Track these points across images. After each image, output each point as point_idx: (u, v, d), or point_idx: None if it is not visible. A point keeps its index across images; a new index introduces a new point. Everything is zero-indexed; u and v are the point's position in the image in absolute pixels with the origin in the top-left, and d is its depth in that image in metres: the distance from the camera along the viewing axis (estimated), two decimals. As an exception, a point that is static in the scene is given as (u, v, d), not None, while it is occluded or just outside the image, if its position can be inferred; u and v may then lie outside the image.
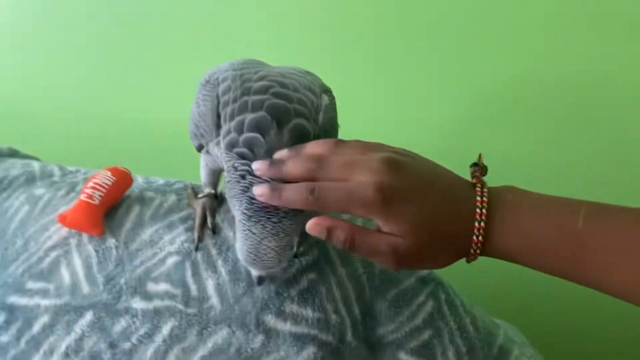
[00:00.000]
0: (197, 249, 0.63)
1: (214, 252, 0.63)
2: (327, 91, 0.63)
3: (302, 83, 0.59)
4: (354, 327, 0.62)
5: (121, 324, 0.59)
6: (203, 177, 0.70)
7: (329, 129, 0.59)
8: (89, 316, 0.60)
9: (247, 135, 0.54)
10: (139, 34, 1.26)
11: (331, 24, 1.11)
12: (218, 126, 0.57)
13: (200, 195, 0.69)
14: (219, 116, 0.57)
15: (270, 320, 0.59)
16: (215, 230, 0.65)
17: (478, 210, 0.46)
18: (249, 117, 0.54)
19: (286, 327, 0.59)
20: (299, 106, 0.55)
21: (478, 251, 0.47)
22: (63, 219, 0.65)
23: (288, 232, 0.54)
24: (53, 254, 0.65)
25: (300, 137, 0.54)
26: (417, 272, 0.67)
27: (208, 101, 0.59)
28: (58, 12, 1.31)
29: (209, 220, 0.66)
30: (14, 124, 1.42)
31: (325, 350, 0.59)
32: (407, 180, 0.46)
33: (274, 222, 0.53)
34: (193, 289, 0.61)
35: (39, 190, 0.73)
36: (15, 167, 0.80)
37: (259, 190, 0.50)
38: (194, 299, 0.60)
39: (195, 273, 0.62)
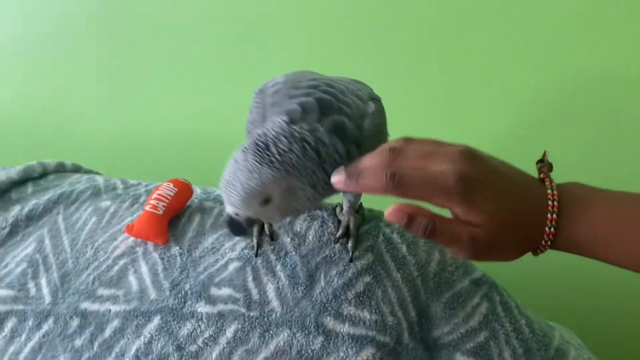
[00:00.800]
0: (257, 254, 0.66)
1: (272, 257, 0.66)
2: (375, 99, 0.64)
3: (350, 89, 0.61)
4: (410, 329, 0.63)
5: (187, 327, 0.62)
6: None
7: (375, 135, 0.60)
8: (156, 320, 0.63)
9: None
10: (190, 51, 1.31)
11: (379, 29, 1.13)
12: None
13: None
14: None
15: (330, 322, 0.61)
16: (273, 237, 0.67)
17: (550, 202, 0.47)
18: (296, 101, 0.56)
19: (345, 328, 0.61)
20: (344, 106, 0.57)
21: (549, 243, 0.48)
22: (130, 229, 0.69)
23: (262, 179, 0.52)
24: (121, 262, 0.68)
25: (338, 132, 0.55)
26: (470, 274, 0.68)
27: (259, 108, 0.62)
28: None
29: (266, 227, 0.68)
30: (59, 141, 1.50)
31: (383, 351, 0.60)
32: (486, 172, 0.47)
33: (255, 160, 0.52)
34: (254, 293, 0.63)
35: (105, 203, 0.78)
36: (80, 181, 0.85)
37: (336, 178, 0.49)
38: (256, 303, 0.63)
39: (256, 278, 0.64)
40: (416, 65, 1.12)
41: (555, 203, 0.47)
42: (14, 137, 1.58)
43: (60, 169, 0.92)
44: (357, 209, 0.72)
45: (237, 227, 0.58)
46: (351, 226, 0.68)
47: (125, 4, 1.33)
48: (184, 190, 0.73)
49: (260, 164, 0.52)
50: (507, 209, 0.47)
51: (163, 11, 1.30)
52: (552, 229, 0.47)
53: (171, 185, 0.72)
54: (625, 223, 0.46)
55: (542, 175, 0.50)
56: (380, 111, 0.63)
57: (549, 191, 0.48)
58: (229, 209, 0.56)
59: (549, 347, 0.67)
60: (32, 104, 1.54)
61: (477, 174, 0.46)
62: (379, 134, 0.62)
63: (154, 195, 0.70)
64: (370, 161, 0.48)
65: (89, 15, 1.38)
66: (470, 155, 0.47)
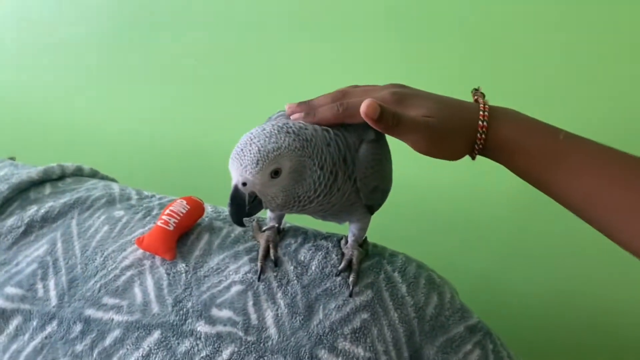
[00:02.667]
0: (259, 279, 0.68)
1: (274, 284, 0.67)
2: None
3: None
4: None
5: (185, 344, 0.64)
6: (269, 212, 0.75)
7: (367, 166, 0.64)
8: (156, 335, 0.65)
9: None
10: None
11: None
12: None
13: (264, 229, 0.74)
14: None
15: (324, 355, 0.62)
16: (277, 263, 0.69)
17: (481, 113, 0.58)
18: None
19: None
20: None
21: (481, 145, 0.58)
22: (140, 242, 0.71)
23: (279, 143, 0.56)
24: (128, 273, 0.70)
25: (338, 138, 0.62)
26: (466, 321, 0.69)
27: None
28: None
29: (271, 252, 0.70)
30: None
31: None
32: (416, 90, 0.61)
33: (274, 129, 0.58)
34: (253, 317, 0.65)
35: (118, 213, 0.80)
36: (97, 187, 0.87)
37: (291, 110, 0.62)
38: (254, 328, 0.64)
39: (256, 303, 0.66)
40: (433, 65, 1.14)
41: (486, 113, 0.58)
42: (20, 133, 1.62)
43: (78, 173, 0.95)
44: (361, 243, 0.74)
45: (238, 205, 0.59)
46: (354, 260, 0.69)
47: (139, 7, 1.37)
48: (196, 208, 0.75)
49: (278, 132, 0.57)
50: (444, 106, 0.59)
51: (174, 12, 1.33)
52: (483, 135, 0.58)
53: (184, 202, 0.74)
54: (542, 134, 0.57)
55: (475, 97, 0.60)
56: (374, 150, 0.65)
57: (481, 105, 0.59)
58: (237, 178, 0.58)
59: None
60: (41, 101, 1.58)
61: (407, 90, 0.60)
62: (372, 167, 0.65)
63: (167, 211, 0.72)
64: (323, 99, 0.62)
65: (101, 16, 1.42)
66: (400, 84, 0.61)
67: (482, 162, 0.62)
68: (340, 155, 0.61)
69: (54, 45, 1.54)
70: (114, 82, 1.50)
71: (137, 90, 1.48)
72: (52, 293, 0.71)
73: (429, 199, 1.20)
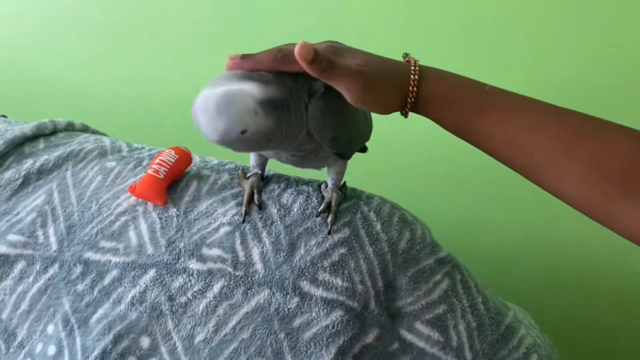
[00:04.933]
0: (244, 221, 0.73)
1: (259, 225, 0.73)
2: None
3: None
4: (377, 297, 0.71)
5: (179, 281, 0.70)
6: (252, 160, 0.79)
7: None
8: (151, 273, 0.70)
9: None
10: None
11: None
12: None
13: (248, 175, 0.79)
14: None
15: (306, 285, 0.68)
16: (261, 207, 0.75)
17: (412, 68, 0.61)
18: None
19: (318, 292, 0.68)
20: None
21: (415, 89, 0.60)
22: (132, 190, 0.76)
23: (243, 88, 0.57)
24: (123, 219, 0.75)
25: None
26: (436, 254, 0.75)
27: None
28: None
29: (255, 197, 0.75)
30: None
31: (350, 315, 0.68)
32: (350, 46, 0.62)
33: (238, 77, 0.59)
34: (241, 255, 0.71)
35: (110, 164, 0.84)
36: (89, 141, 0.91)
37: (231, 60, 0.61)
38: (242, 264, 0.70)
39: (244, 242, 0.72)
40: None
41: (417, 68, 0.60)
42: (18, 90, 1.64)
43: (70, 128, 0.99)
44: (340, 187, 0.79)
45: None
46: (332, 202, 0.75)
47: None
48: (184, 157, 0.79)
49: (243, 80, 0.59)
50: (377, 60, 0.61)
51: None
52: (414, 87, 0.60)
53: (173, 152, 0.79)
54: (468, 86, 0.61)
55: (406, 59, 0.63)
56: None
57: (412, 62, 0.61)
58: (214, 136, 0.58)
59: (500, 324, 0.75)
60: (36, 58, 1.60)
61: (343, 45, 0.62)
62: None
63: (157, 160, 0.77)
64: (263, 52, 0.62)
65: None
66: (336, 41, 0.63)
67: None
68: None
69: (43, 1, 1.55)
70: (101, 38, 1.51)
71: (124, 45, 1.49)
72: (52, 239, 0.76)
73: (408, 150, 1.25)
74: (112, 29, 1.49)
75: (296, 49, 0.56)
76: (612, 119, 0.55)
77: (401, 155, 1.26)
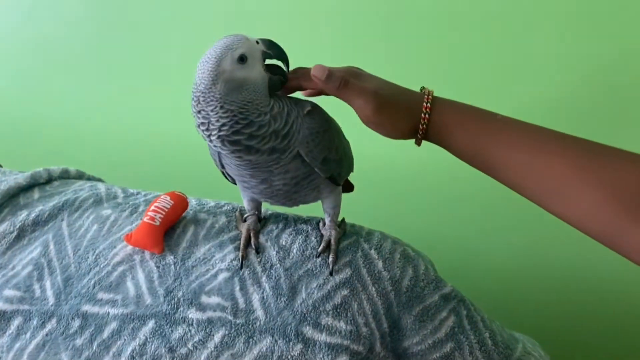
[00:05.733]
0: (242, 266, 0.72)
1: (259, 269, 0.72)
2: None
3: None
4: (382, 339, 0.69)
5: (179, 331, 0.68)
6: (245, 204, 0.79)
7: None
8: (151, 324, 0.69)
9: None
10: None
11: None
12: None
13: (245, 216, 0.78)
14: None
15: (308, 331, 0.67)
16: (258, 250, 0.73)
17: (425, 97, 0.64)
18: None
19: (322, 337, 0.67)
20: None
21: (427, 116, 0.63)
22: (129, 238, 0.75)
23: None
24: (120, 269, 0.74)
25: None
26: (440, 290, 0.74)
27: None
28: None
29: (252, 241, 0.74)
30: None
31: (356, 359, 0.66)
32: (367, 74, 0.67)
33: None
34: (241, 302, 0.69)
35: (106, 211, 0.83)
36: (84, 189, 0.91)
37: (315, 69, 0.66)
38: (242, 311, 0.68)
39: (243, 287, 0.70)
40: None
41: (430, 97, 0.64)
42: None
43: (65, 175, 0.98)
44: (339, 224, 0.78)
45: None
46: (332, 241, 0.73)
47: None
48: (180, 203, 0.79)
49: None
50: (393, 86, 0.66)
51: (165, 14, 1.35)
52: (426, 114, 0.63)
53: (168, 198, 0.78)
54: (479, 113, 0.63)
55: (422, 91, 0.66)
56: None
57: (426, 92, 0.65)
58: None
59: (509, 358, 0.73)
60: (32, 102, 1.59)
61: (362, 71, 0.67)
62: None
63: (152, 207, 0.76)
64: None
65: (91, 17, 1.43)
66: (357, 67, 0.69)
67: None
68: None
69: (32, 44, 1.55)
70: (94, 80, 1.51)
71: (119, 88, 1.49)
72: (49, 292, 0.74)
73: (405, 177, 1.24)
74: (105, 69, 1.49)
75: (312, 70, 0.64)
76: (606, 136, 0.56)
77: (401, 183, 1.26)
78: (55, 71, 1.56)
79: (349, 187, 0.87)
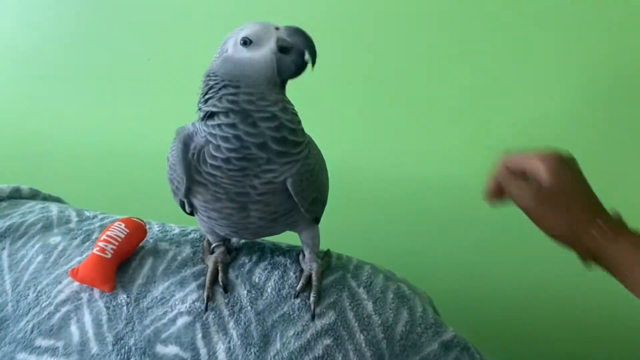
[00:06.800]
0: (206, 309, 0.61)
1: (225, 312, 0.61)
2: None
3: None
4: None
5: None
6: (210, 239, 0.68)
7: None
8: None
9: None
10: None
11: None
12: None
13: (213, 247, 0.67)
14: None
15: None
16: (226, 289, 0.62)
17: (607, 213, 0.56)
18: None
19: None
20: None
21: (599, 235, 0.55)
22: (74, 274, 0.64)
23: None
24: (64, 309, 0.63)
25: None
26: (441, 336, 0.63)
27: (174, 150, 0.59)
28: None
29: (220, 277, 0.63)
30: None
31: None
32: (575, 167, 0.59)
33: None
34: (203, 352, 0.58)
35: (54, 239, 0.72)
36: (33, 211, 0.79)
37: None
38: None
39: (206, 335, 0.59)
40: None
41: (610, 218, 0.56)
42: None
43: (15, 195, 0.87)
44: (322, 255, 0.67)
45: None
46: (313, 276, 0.63)
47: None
48: (136, 231, 0.68)
49: None
50: (575, 189, 0.57)
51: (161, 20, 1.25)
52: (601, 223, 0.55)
53: (123, 225, 0.67)
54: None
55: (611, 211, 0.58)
56: None
57: (611, 211, 0.57)
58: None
59: None
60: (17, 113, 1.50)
61: (575, 165, 0.59)
62: None
63: (103, 237, 0.65)
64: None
65: (80, 25, 1.34)
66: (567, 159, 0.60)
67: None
68: None
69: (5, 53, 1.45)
70: (70, 92, 1.41)
71: (93, 101, 1.39)
72: None
73: (417, 196, 1.14)
74: (80, 81, 1.39)
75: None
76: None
77: (399, 203, 1.15)
78: (29, 82, 1.45)
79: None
